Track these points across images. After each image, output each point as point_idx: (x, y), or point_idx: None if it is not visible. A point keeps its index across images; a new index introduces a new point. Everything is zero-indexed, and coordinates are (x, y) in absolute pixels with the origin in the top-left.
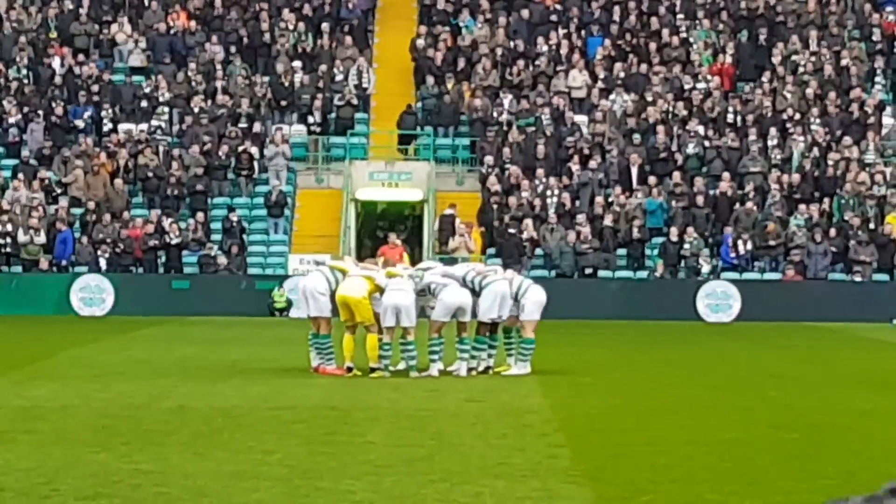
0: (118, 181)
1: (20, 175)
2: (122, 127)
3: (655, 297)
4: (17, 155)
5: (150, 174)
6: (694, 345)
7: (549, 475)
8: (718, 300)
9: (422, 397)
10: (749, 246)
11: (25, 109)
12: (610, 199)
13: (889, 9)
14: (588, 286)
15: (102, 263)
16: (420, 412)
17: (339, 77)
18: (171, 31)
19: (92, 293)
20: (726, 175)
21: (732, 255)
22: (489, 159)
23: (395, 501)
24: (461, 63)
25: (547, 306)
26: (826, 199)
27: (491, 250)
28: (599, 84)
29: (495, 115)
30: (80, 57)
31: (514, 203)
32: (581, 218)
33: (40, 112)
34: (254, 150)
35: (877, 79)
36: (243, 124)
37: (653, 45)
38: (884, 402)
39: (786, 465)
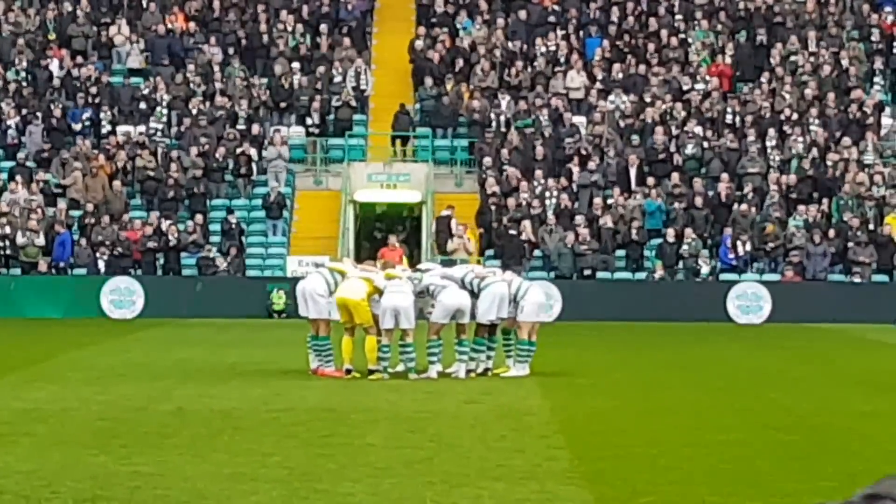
0: (117, 183)
1: (17, 177)
2: (121, 129)
3: (685, 298)
4: (15, 157)
5: (149, 175)
6: (694, 346)
7: (548, 477)
8: (749, 301)
9: (421, 399)
10: (748, 247)
11: (24, 111)
12: (609, 201)
13: (888, 9)
14: (616, 288)
15: (101, 265)
16: (419, 414)
17: (338, 78)
18: (170, 33)
19: (122, 295)
20: (725, 176)
21: (731, 255)
22: (488, 160)
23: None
24: (459, 64)
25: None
26: (825, 200)
27: (490, 251)
28: (598, 85)
29: (494, 116)
30: (79, 59)
31: (513, 204)
32: (580, 219)
33: (39, 114)
34: (252, 152)
35: (876, 79)
36: (242, 126)
37: (651, 46)
38: (883, 403)
39: (785, 466)
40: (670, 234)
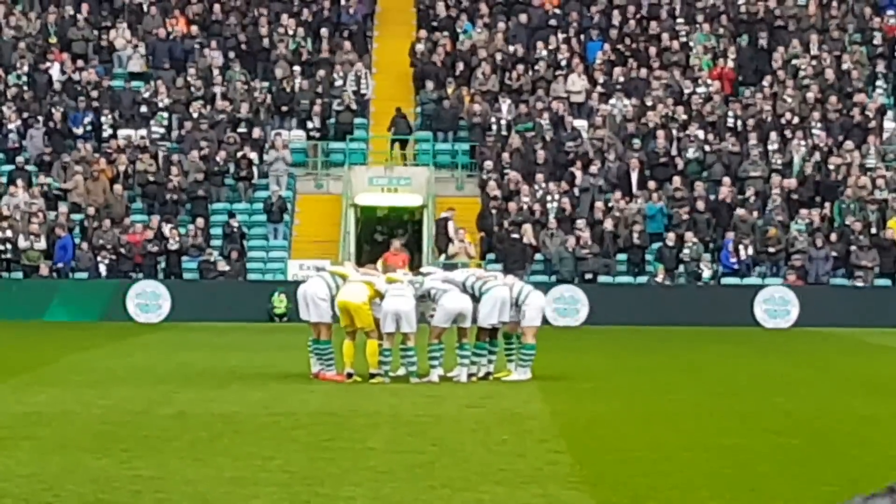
0: (118, 187)
1: (18, 181)
2: (122, 132)
3: (712, 303)
4: (17, 161)
5: (150, 179)
6: (695, 350)
7: (549, 481)
8: (776, 306)
9: (422, 403)
10: (750, 251)
11: (25, 115)
12: (610, 204)
13: (890, 12)
14: (642, 292)
15: (102, 269)
16: (420, 418)
17: (339, 82)
18: (171, 37)
19: (148, 299)
20: (727, 180)
21: (733, 259)
22: (489, 164)
23: None
24: (460, 68)
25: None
26: (827, 204)
27: (491, 255)
28: (599, 89)
29: (494, 120)
30: (80, 62)
31: (514, 208)
32: (581, 223)
33: (40, 118)
34: (253, 156)
35: (878, 83)
36: (242, 130)
37: (652, 50)
38: (885, 407)
39: (787, 470)
40: (670, 237)
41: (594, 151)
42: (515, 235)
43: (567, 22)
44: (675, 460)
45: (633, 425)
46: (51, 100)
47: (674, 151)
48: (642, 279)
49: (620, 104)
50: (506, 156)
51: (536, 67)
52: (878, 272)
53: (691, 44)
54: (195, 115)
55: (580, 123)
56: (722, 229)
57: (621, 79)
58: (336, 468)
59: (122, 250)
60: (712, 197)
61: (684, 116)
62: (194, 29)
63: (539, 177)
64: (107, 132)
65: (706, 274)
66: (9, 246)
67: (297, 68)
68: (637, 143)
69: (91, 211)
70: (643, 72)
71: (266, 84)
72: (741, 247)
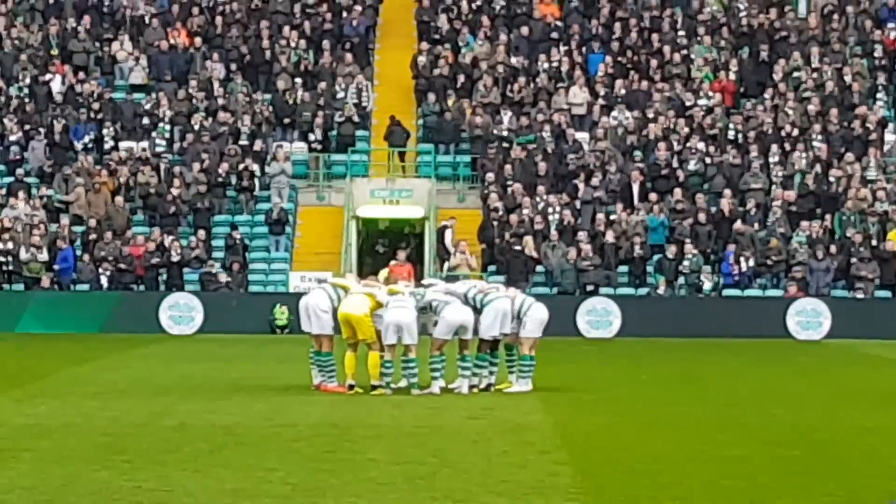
0: (119, 199)
1: (20, 193)
2: (123, 145)
3: (744, 315)
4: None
5: (151, 191)
6: (696, 362)
7: (551, 492)
8: (808, 318)
9: (423, 415)
10: (751, 262)
11: (27, 127)
12: (611, 217)
13: (891, 25)
14: (673, 304)
15: (104, 281)
16: (421, 429)
17: (340, 94)
18: (172, 49)
19: (181, 311)
20: (728, 192)
21: (734, 271)
22: (490, 176)
23: None
24: (462, 80)
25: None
26: (828, 216)
27: (492, 268)
28: (600, 101)
29: (496, 132)
30: (81, 74)
31: (516, 220)
32: (582, 235)
33: (41, 130)
34: (255, 168)
35: (878, 95)
36: (244, 142)
37: (654, 62)
38: (886, 418)
39: (788, 482)
40: (671, 250)
41: (596, 164)
42: (517, 247)
43: (569, 34)
44: (676, 472)
45: (635, 436)
46: (52, 112)
47: (675, 164)
48: (643, 291)
49: (622, 116)
50: (508, 168)
51: (538, 80)
52: (879, 284)
53: (693, 56)
54: (197, 128)
55: (582, 136)
56: (723, 241)
57: (623, 91)
58: (337, 480)
59: (124, 262)
60: (713, 209)
61: (686, 129)
62: (196, 41)
63: (540, 189)
64: (108, 144)
65: (707, 286)
66: (10, 258)
67: (298, 80)
68: (638, 155)
69: (92, 223)
70: (645, 84)
71: (268, 96)
72: (742, 258)
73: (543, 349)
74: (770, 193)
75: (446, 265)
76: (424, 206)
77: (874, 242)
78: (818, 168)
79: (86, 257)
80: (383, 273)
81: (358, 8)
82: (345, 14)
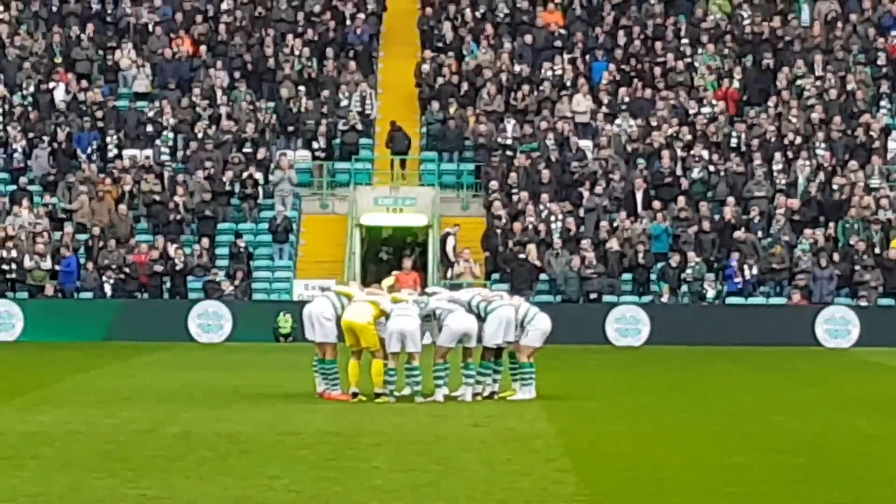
0: (122, 207)
1: (24, 201)
2: (127, 153)
3: (774, 322)
4: (19, 181)
5: (155, 199)
6: (698, 370)
7: (554, 500)
8: (837, 326)
9: (427, 422)
10: (755, 270)
11: (30, 135)
12: (615, 224)
13: (894, 33)
14: (704, 311)
15: (107, 289)
16: (425, 437)
17: (344, 102)
18: (176, 57)
19: (210, 319)
20: (731, 200)
21: (737, 279)
22: (494, 184)
23: None
24: (465, 88)
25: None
26: (831, 224)
27: (496, 275)
28: (604, 109)
29: (500, 140)
30: (84, 83)
31: (519, 228)
32: (586, 243)
33: (45, 138)
34: (258, 176)
35: (882, 103)
36: (248, 150)
37: (657, 70)
38: (888, 426)
39: (790, 489)
40: (674, 258)
41: (599, 172)
42: (521, 255)
43: (572, 42)
44: (679, 480)
45: (638, 444)
46: (56, 120)
47: (678, 171)
48: (646, 299)
49: (625, 124)
50: (512, 176)
51: (542, 88)
52: (882, 292)
53: (696, 64)
54: (200, 136)
55: (585, 144)
56: (727, 249)
57: (626, 99)
58: (341, 487)
59: (127, 270)
60: (717, 217)
61: (689, 137)
62: (200, 49)
63: (544, 197)
64: (112, 152)
65: (710, 294)
66: (14, 266)
67: (302, 88)
68: (642, 163)
69: (96, 231)
70: (648, 92)
71: (271, 104)
72: (746, 266)
73: (551, 357)
74: (773, 201)
75: (450, 273)
76: (428, 214)
77: (877, 250)
78: (821, 176)
79: (89, 265)
80: (388, 281)
81: (361, 16)
82: (348, 22)
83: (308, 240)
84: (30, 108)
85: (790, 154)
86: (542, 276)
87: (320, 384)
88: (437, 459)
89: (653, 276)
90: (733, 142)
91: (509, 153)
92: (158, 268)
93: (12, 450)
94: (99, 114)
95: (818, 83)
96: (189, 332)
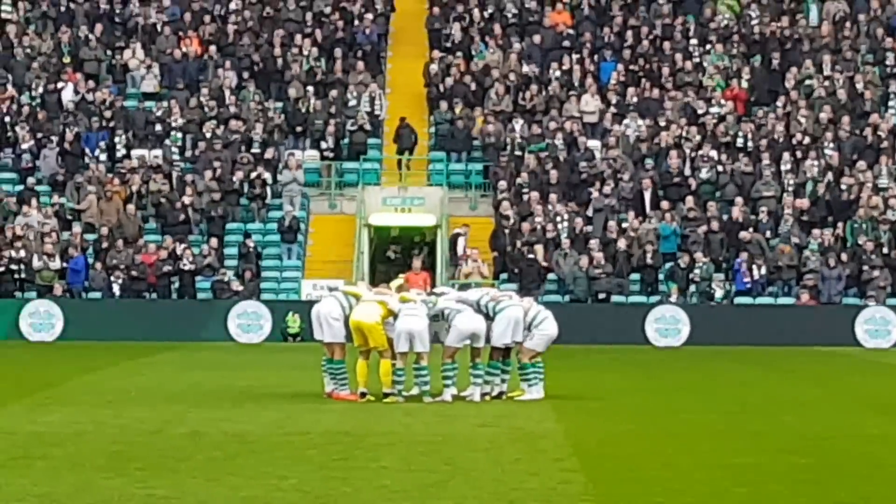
0: (131, 207)
1: (32, 201)
2: (135, 153)
3: (813, 323)
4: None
5: (163, 199)
6: (708, 370)
7: (562, 500)
8: (877, 326)
9: (435, 422)
10: (763, 270)
11: (38, 135)
12: (623, 224)
13: None
14: (742, 313)
15: (116, 289)
16: (433, 437)
17: (352, 102)
18: (184, 57)
19: (250, 320)
20: (739, 200)
21: (746, 279)
22: (502, 184)
23: None
24: (474, 88)
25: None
26: (840, 224)
27: (504, 275)
28: (612, 109)
29: (508, 140)
30: (93, 83)
31: (528, 228)
32: (594, 243)
33: (53, 138)
34: (267, 176)
35: (890, 103)
36: (256, 150)
37: (666, 70)
38: None
39: (798, 489)
40: (683, 258)
41: (608, 172)
42: (529, 256)
43: (580, 42)
44: (687, 479)
45: (646, 444)
46: (64, 120)
47: (687, 172)
48: (655, 299)
49: (634, 124)
50: (525, 175)
51: (550, 88)
52: (891, 292)
53: (704, 64)
54: (209, 136)
55: (593, 144)
56: (735, 249)
57: (635, 99)
58: (349, 487)
59: (136, 270)
60: (725, 217)
61: (697, 137)
62: (208, 49)
63: (552, 197)
64: (120, 152)
65: (718, 294)
66: (22, 266)
67: (310, 88)
68: (650, 163)
69: (104, 231)
70: (656, 92)
71: (280, 104)
72: (754, 267)
73: (562, 356)
74: (782, 201)
75: (458, 271)
76: (436, 214)
77: (886, 250)
78: (830, 176)
79: (98, 265)
80: (397, 281)
81: (370, 16)
82: (357, 22)
83: (316, 240)
84: (38, 108)
85: (798, 154)
86: (551, 276)
87: (329, 384)
88: (446, 459)
89: (661, 277)
90: (741, 142)
91: (518, 153)
92: (167, 268)
93: (21, 450)
94: (107, 114)
95: (826, 83)
96: (228, 332)
